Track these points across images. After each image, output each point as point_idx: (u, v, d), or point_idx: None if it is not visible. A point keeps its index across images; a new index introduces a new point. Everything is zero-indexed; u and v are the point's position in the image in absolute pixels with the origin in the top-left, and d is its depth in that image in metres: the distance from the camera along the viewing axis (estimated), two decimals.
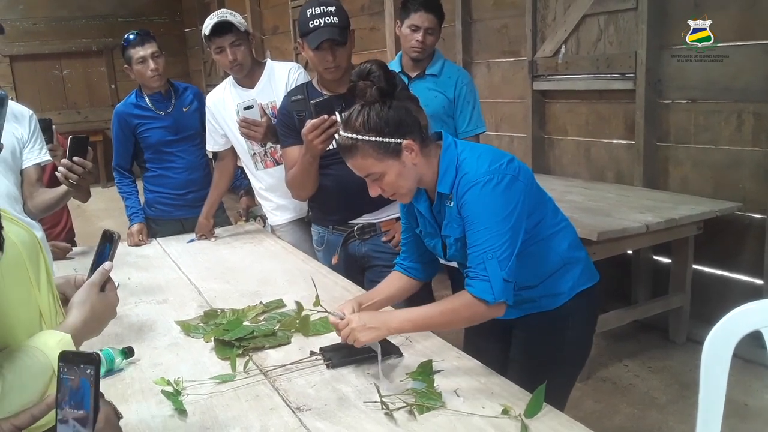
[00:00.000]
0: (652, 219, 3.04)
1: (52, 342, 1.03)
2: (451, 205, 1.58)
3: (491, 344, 1.82)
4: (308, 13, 2.16)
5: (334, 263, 2.42)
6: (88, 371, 0.87)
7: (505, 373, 1.59)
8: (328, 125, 2.04)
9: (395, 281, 1.82)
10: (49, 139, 2.37)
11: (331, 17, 2.14)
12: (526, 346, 1.78)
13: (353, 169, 1.58)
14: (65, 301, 1.19)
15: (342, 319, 1.56)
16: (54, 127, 2.48)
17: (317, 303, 1.69)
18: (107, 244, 1.22)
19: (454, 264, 1.80)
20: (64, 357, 0.88)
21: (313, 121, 2.05)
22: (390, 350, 1.66)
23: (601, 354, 3.42)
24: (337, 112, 2.08)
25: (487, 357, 1.66)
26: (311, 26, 2.15)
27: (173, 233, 3.12)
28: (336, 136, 1.62)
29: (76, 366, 0.87)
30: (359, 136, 1.51)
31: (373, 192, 1.60)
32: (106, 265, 1.18)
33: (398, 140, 1.51)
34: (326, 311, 1.67)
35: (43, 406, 0.92)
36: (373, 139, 1.50)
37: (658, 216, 3.07)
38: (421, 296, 1.89)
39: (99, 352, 0.91)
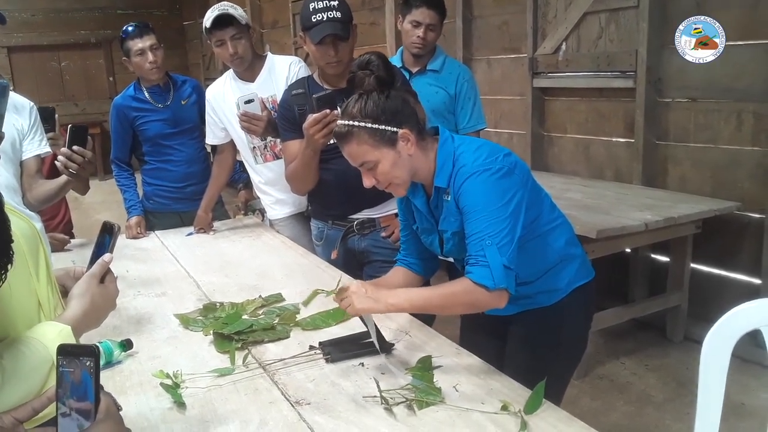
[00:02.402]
0: (651, 217, 3.04)
1: (52, 333, 1.03)
2: (449, 198, 1.58)
3: (487, 340, 1.82)
4: (311, 8, 2.15)
5: (333, 258, 2.42)
6: (88, 363, 0.87)
7: (501, 370, 1.59)
8: (330, 120, 2.04)
9: (399, 275, 1.83)
10: (51, 127, 2.36)
11: (334, 12, 2.14)
12: (523, 343, 1.78)
13: (348, 157, 1.59)
14: (65, 292, 1.18)
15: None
16: (57, 116, 2.47)
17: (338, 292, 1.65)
18: (107, 236, 1.21)
19: (452, 259, 1.80)
20: (63, 350, 0.88)
21: (315, 115, 2.05)
22: (384, 347, 1.65)
23: (598, 352, 3.43)
24: (339, 107, 2.07)
25: (483, 353, 1.66)
26: (314, 20, 2.14)
27: (171, 226, 3.11)
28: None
29: (75, 359, 0.87)
30: (355, 123, 1.53)
31: (368, 182, 1.60)
32: (106, 256, 1.18)
33: (394, 129, 1.53)
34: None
35: (44, 399, 0.92)
36: (369, 125, 1.52)
37: (657, 214, 3.07)
38: None
39: (98, 344, 0.90)
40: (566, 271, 1.71)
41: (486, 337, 1.83)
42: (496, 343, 1.82)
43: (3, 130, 1.09)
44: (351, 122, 1.54)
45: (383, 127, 1.53)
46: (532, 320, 1.73)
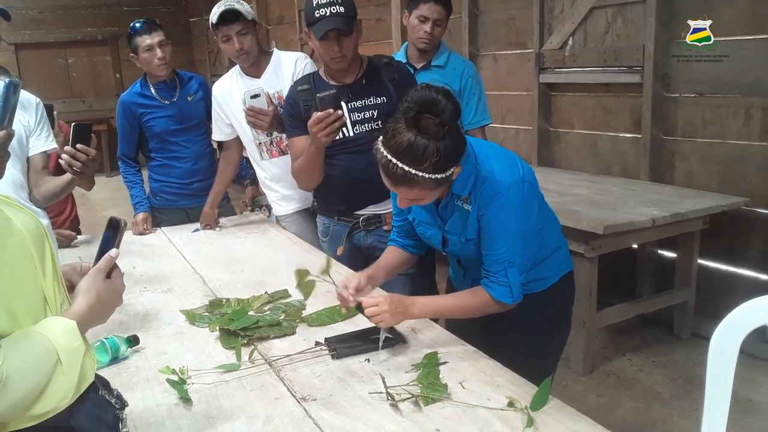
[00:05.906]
0: (658, 213, 3.02)
1: (57, 328, 1.03)
2: (469, 208, 1.60)
3: (477, 328, 1.82)
4: (314, 3, 2.14)
5: (339, 254, 2.42)
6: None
7: (492, 354, 1.62)
8: (333, 119, 2.04)
9: (394, 255, 1.89)
10: (50, 124, 2.36)
11: (337, 7, 2.13)
12: (516, 327, 1.80)
13: (401, 195, 1.56)
14: (71, 288, 1.18)
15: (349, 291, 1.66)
16: (55, 112, 2.47)
17: (326, 272, 1.65)
18: (113, 231, 1.22)
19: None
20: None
21: (318, 114, 2.05)
22: (396, 338, 1.66)
23: (605, 348, 3.42)
24: (342, 103, 2.07)
25: (470, 336, 1.70)
26: (317, 16, 2.14)
27: (178, 222, 3.11)
28: (376, 145, 1.51)
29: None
30: (426, 175, 1.47)
31: (404, 205, 1.63)
32: (112, 252, 1.18)
33: (453, 171, 1.51)
34: (333, 283, 1.66)
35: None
36: (438, 176, 1.48)
37: (664, 210, 3.06)
38: (424, 288, 1.91)
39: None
40: (556, 261, 1.80)
41: (476, 325, 1.82)
42: (487, 330, 1.82)
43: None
44: (422, 174, 1.46)
45: (447, 174, 1.50)
46: (524, 306, 1.75)
